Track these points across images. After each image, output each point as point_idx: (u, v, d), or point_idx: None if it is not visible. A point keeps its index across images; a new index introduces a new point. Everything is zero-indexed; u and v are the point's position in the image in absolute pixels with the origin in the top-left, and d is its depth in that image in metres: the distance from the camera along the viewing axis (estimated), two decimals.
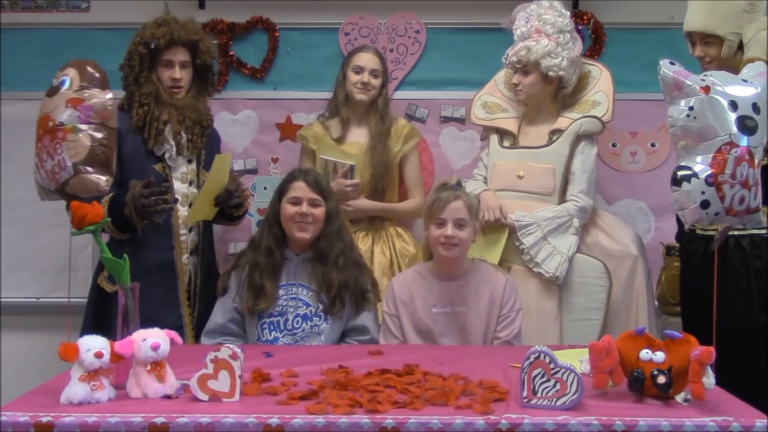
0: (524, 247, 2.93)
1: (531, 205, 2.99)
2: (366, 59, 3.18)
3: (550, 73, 3.04)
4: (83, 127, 2.49)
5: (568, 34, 3.07)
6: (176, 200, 2.91)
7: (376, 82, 3.17)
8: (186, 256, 2.95)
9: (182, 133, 2.92)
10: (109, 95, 2.52)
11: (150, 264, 2.83)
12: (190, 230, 2.97)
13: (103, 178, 2.53)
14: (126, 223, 2.78)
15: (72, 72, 2.58)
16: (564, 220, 2.96)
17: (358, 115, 3.23)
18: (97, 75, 2.56)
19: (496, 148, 3.14)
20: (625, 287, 2.97)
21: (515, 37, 3.06)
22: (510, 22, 3.19)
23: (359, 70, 3.16)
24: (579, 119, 3.05)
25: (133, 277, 2.81)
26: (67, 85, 2.55)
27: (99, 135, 2.51)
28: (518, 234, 2.93)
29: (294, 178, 2.72)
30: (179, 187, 2.94)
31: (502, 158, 3.10)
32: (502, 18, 3.17)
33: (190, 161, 2.99)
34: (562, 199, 3.02)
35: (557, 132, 3.07)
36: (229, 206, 2.97)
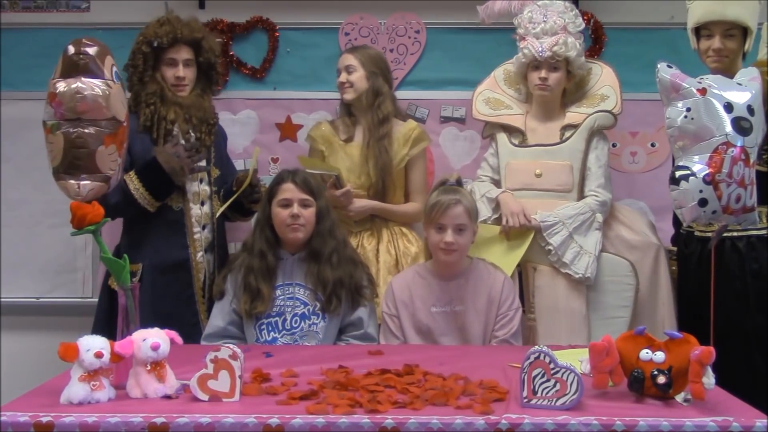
0: (551, 247, 2.89)
1: (551, 203, 2.97)
2: (342, 60, 3.17)
3: (579, 71, 3.08)
4: (61, 126, 2.39)
5: (582, 35, 3.11)
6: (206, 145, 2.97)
7: (354, 77, 3.12)
8: (201, 253, 2.95)
9: (190, 131, 2.93)
10: (87, 82, 2.38)
11: (166, 263, 2.87)
12: (203, 228, 2.97)
13: (77, 185, 2.45)
14: (163, 185, 2.82)
15: (61, 57, 2.46)
16: (587, 216, 2.93)
17: (363, 115, 3.19)
18: (78, 59, 2.40)
19: (507, 147, 3.10)
20: (650, 279, 2.94)
21: (538, 32, 3.01)
22: (484, 12, 3.19)
23: (338, 71, 3.16)
24: (593, 114, 3.04)
25: (149, 277, 2.83)
26: (53, 74, 2.44)
27: (74, 134, 2.40)
28: (544, 234, 2.90)
29: (282, 180, 2.71)
30: (190, 186, 2.93)
31: (516, 157, 3.07)
32: (514, 21, 3.15)
33: (204, 146, 2.98)
34: (581, 195, 3.00)
35: (569, 127, 3.06)
36: (249, 201, 3.01)
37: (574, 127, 3.05)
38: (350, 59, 3.15)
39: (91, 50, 2.45)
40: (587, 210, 2.95)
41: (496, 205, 3.00)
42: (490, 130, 3.20)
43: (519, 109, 3.17)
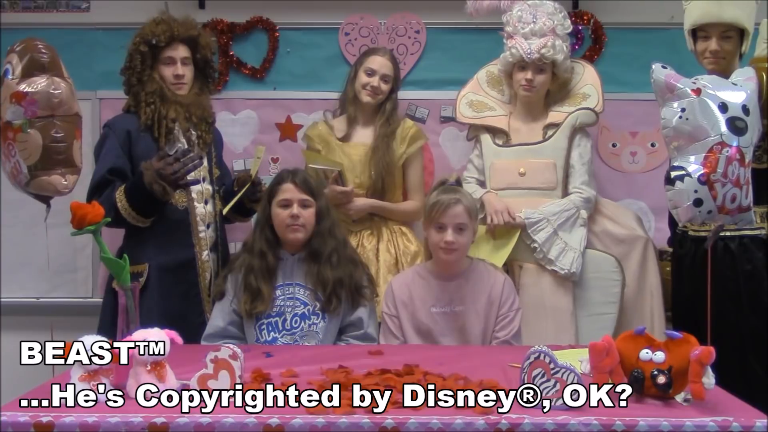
0: (536, 245, 2.91)
1: (535, 201, 2.98)
2: (379, 63, 3.14)
3: (564, 73, 3.09)
4: (33, 123, 2.42)
5: (569, 37, 3.13)
6: (201, 156, 2.91)
7: (385, 87, 3.14)
8: (206, 252, 2.95)
9: (191, 130, 2.93)
10: (56, 80, 2.43)
11: (172, 263, 2.87)
12: (208, 227, 2.97)
13: (63, 179, 2.48)
14: (151, 206, 2.78)
15: (14, 58, 2.49)
16: (572, 213, 2.95)
17: (366, 115, 3.21)
18: (41, 57, 2.45)
19: (491, 148, 3.12)
20: (638, 273, 2.95)
21: (527, 32, 3.02)
22: (473, 7, 3.20)
23: (371, 73, 3.13)
24: (574, 112, 3.06)
25: (155, 277, 2.83)
26: (9, 74, 2.47)
27: (52, 130, 2.42)
28: (529, 231, 2.92)
29: (282, 180, 2.70)
30: (194, 185, 2.92)
31: (499, 157, 3.09)
32: (503, 18, 3.16)
33: (201, 158, 2.98)
34: (565, 192, 3.02)
35: (552, 126, 3.08)
36: (250, 200, 3.00)
37: (557, 125, 3.07)
38: (390, 68, 3.16)
39: (49, 50, 2.50)
40: (571, 207, 2.96)
41: (481, 206, 3.00)
42: (474, 132, 3.22)
43: (502, 110, 3.19)
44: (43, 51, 2.50)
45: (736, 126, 2.36)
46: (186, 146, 2.92)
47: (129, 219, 2.79)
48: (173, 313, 2.72)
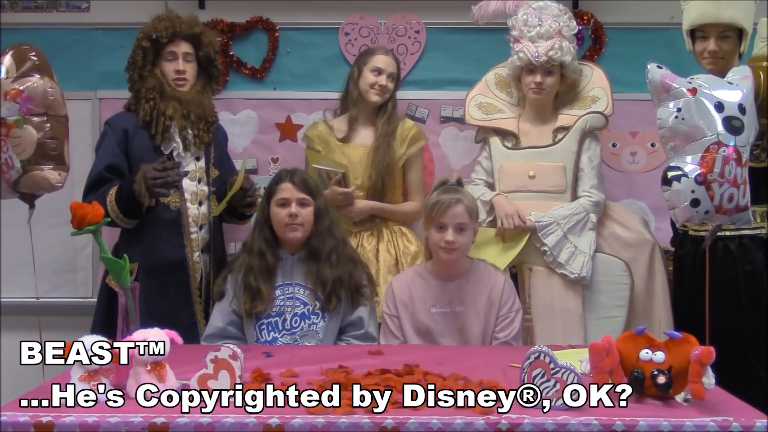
0: (546, 248, 2.91)
1: (545, 204, 2.98)
2: (385, 62, 3.14)
3: (572, 74, 3.09)
4: (27, 120, 2.47)
5: (575, 38, 3.14)
6: (186, 173, 2.88)
7: (391, 85, 3.15)
8: (197, 254, 2.94)
9: (188, 129, 2.92)
10: (50, 81, 2.49)
11: (162, 263, 2.85)
12: (200, 228, 2.96)
13: (56, 173, 2.51)
14: (134, 208, 2.77)
15: (7, 59, 2.54)
16: (581, 217, 2.95)
17: (366, 115, 3.20)
18: (35, 60, 2.51)
19: (500, 150, 3.12)
20: (646, 276, 2.95)
21: (534, 35, 3.02)
22: (478, 12, 3.20)
23: (378, 72, 3.13)
24: (584, 116, 3.06)
25: (145, 276, 2.83)
26: (3, 74, 2.52)
27: (46, 127, 2.46)
28: (539, 235, 2.92)
29: (281, 180, 2.71)
30: (188, 185, 2.92)
31: (509, 160, 3.09)
32: (508, 23, 3.16)
33: (198, 158, 2.98)
34: (574, 196, 3.02)
35: (561, 129, 3.08)
36: (242, 205, 2.99)
37: (567, 129, 3.07)
38: (395, 67, 3.17)
39: (39, 54, 2.61)
40: (581, 210, 2.96)
41: (491, 208, 3.00)
42: (483, 134, 3.21)
43: (511, 112, 3.19)
44: (34, 55, 2.55)
45: (733, 125, 2.36)
46: (182, 145, 2.91)
47: (114, 218, 2.77)
48: (163, 314, 2.70)
